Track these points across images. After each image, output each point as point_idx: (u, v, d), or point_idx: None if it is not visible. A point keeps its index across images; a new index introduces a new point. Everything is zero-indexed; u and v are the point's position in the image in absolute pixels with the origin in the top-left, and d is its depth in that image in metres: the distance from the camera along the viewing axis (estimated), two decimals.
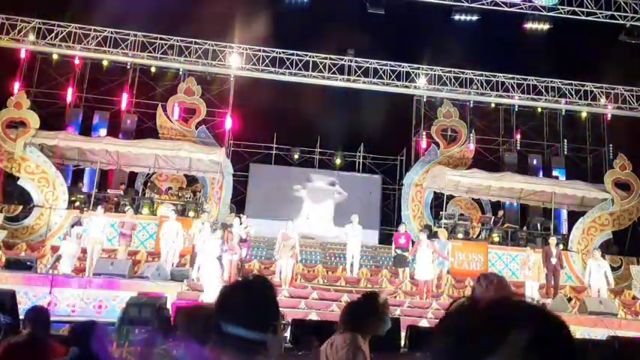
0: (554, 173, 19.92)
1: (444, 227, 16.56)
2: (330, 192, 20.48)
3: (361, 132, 21.15)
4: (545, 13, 17.27)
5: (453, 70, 19.37)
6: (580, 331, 11.11)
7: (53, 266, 12.50)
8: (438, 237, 14.27)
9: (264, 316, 1.58)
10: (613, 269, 16.74)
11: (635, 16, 17.15)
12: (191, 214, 15.43)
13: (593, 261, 13.35)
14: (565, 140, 20.15)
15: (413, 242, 14.23)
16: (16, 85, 17.52)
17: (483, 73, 19.42)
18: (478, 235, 17.59)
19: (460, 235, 16.64)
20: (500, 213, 18.21)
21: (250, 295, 1.62)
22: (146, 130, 18.79)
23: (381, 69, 19.12)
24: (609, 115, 19.58)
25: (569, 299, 13.04)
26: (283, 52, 18.80)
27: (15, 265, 11.57)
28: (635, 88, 19.39)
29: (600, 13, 17.19)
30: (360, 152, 21.68)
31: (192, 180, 18.53)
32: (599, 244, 17.54)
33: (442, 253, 13.53)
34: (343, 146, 21.51)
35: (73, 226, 12.97)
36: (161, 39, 18.48)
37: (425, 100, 19.82)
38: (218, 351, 1.55)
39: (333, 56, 19.01)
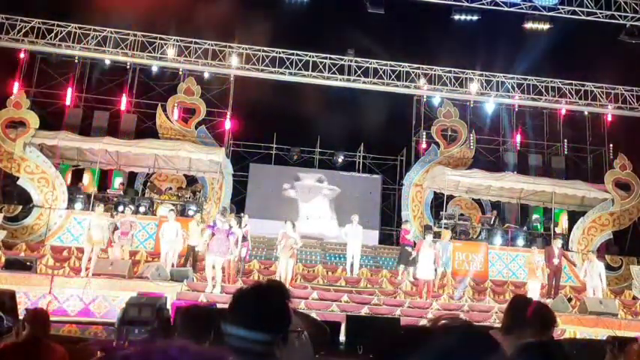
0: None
1: (445, 227, 16.56)
2: (319, 189, 20.44)
3: (361, 132, 21.14)
4: (545, 13, 17.25)
5: (453, 70, 19.33)
6: (580, 331, 11.11)
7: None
8: (440, 238, 14.31)
9: (276, 321, 1.56)
10: (613, 269, 16.77)
11: (635, 16, 17.14)
12: (191, 213, 15.37)
13: (587, 263, 13.43)
14: (565, 140, 20.11)
15: (415, 242, 14.29)
16: (16, 85, 17.49)
17: (483, 73, 19.38)
18: (478, 235, 17.59)
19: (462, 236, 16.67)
20: (494, 213, 18.22)
21: (264, 300, 1.60)
22: (146, 130, 18.75)
23: (381, 69, 19.09)
24: (609, 115, 19.56)
25: (569, 299, 13.06)
26: (283, 52, 18.77)
27: (15, 265, 11.57)
28: (635, 88, 19.36)
29: (600, 13, 17.18)
30: (360, 152, 21.66)
31: (192, 180, 18.52)
32: (599, 244, 17.54)
33: (439, 258, 13.44)
34: (343, 146, 21.48)
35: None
36: (161, 39, 18.46)
37: (425, 100, 19.79)
38: (224, 352, 1.54)
39: (333, 56, 18.97)
